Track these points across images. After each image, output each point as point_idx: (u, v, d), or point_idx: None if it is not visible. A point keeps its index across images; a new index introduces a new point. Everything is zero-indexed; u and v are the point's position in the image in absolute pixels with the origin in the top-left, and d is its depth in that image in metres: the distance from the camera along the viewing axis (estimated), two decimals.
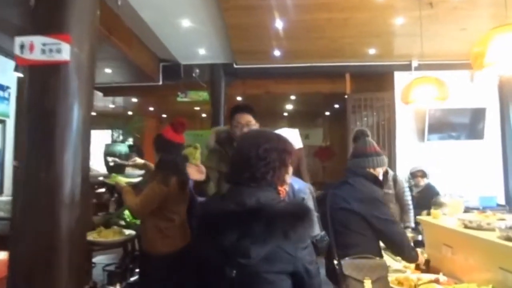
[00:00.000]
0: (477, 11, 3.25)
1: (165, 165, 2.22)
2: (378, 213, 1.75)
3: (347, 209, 1.78)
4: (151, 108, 8.20)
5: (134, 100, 6.85)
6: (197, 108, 7.57)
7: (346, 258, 1.65)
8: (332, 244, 1.76)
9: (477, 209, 2.99)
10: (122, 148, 3.09)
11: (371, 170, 1.87)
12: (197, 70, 5.10)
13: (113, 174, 2.43)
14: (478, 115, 4.79)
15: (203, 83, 5.15)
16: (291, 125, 9.67)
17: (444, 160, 4.73)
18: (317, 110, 8.13)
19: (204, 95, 5.18)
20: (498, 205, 4.62)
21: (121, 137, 8.30)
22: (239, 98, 6.44)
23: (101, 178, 2.52)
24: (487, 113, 4.77)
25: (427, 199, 2.84)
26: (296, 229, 1.03)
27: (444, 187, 4.44)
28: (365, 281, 1.59)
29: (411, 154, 4.81)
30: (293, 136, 2.17)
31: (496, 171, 4.85)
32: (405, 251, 1.82)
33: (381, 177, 1.91)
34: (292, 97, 6.49)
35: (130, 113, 9.00)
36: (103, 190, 3.38)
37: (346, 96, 5.29)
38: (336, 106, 7.53)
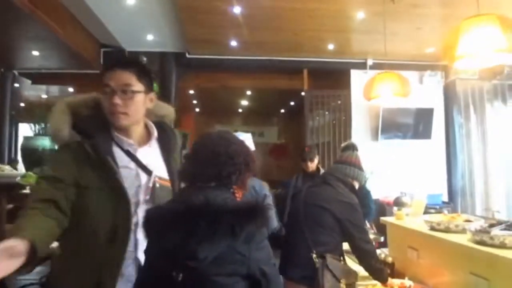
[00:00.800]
0: (435, 9, 3.31)
1: None
2: (353, 219, 1.79)
3: (324, 207, 1.80)
4: None
5: (71, 89, 6.17)
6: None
7: (328, 254, 1.67)
8: (306, 237, 1.76)
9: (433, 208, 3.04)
10: (46, 142, 2.63)
11: (350, 180, 1.94)
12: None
13: (29, 173, 2.03)
14: (426, 115, 4.99)
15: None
16: (246, 122, 9.57)
17: (395, 159, 4.87)
18: (273, 107, 8.04)
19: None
20: (443, 202, 4.87)
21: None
22: (191, 92, 6.09)
23: (18, 179, 2.09)
24: (434, 113, 5.00)
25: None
26: (245, 226, 0.96)
27: (395, 186, 4.60)
28: (341, 282, 1.61)
29: (365, 153, 4.86)
30: (246, 140, 2.04)
31: (441, 170, 5.10)
32: (372, 263, 1.79)
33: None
34: (248, 93, 6.30)
35: None
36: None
37: (303, 93, 5.22)
38: (292, 103, 7.49)
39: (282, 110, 8.69)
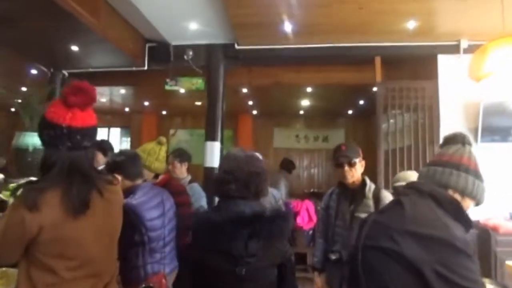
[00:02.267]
0: None
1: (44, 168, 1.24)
2: (452, 269, 0.94)
3: (389, 250, 1.02)
4: (147, 103, 7.50)
5: (122, 91, 6.17)
6: (198, 104, 6.83)
7: None
8: None
9: None
10: (36, 139, 2.36)
11: (457, 196, 1.11)
12: (190, 52, 4.34)
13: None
14: None
15: (198, 68, 4.38)
16: (309, 124, 8.85)
17: (499, 169, 3.79)
18: (339, 106, 7.21)
19: (198, 82, 4.41)
20: None
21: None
22: (244, 90, 5.63)
23: None
24: None
25: None
26: (285, 229, 1.46)
27: (501, 204, 3.60)
28: None
29: None
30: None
31: None
32: None
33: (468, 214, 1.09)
34: (308, 90, 5.62)
35: (127, 109, 8.40)
36: None
37: (374, 89, 4.40)
38: (362, 101, 6.60)
39: (350, 111, 7.81)
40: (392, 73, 4.33)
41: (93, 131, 1.31)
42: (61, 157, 1.20)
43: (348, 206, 2.16)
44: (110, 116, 9.07)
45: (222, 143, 4.37)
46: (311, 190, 8.09)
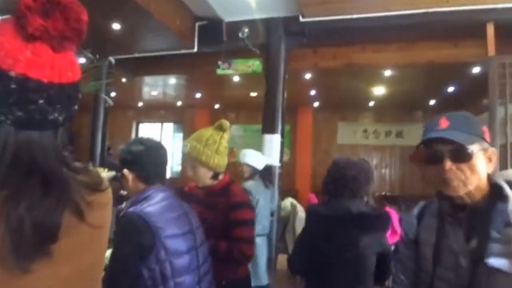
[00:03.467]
0: None
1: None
2: None
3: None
4: (199, 95, 7.09)
5: (173, 80, 5.76)
6: (254, 95, 6.24)
7: None
8: None
9: None
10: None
11: None
12: (246, 30, 3.73)
13: None
14: None
15: (255, 47, 3.76)
16: (379, 119, 7.82)
17: None
18: (420, 95, 6.13)
19: (255, 64, 3.79)
20: None
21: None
22: (308, 76, 4.90)
23: None
24: None
25: None
26: (382, 224, 1.77)
27: None
28: None
29: None
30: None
31: None
32: None
33: None
34: (386, 73, 4.71)
35: (179, 103, 8.13)
36: None
37: (476, 69, 3.42)
38: (451, 88, 5.50)
39: (432, 101, 6.67)
40: (508, 45, 3.32)
41: (72, 92, 0.70)
42: (2, 140, 0.62)
43: (463, 241, 1.05)
44: (164, 111, 8.92)
45: (282, 136, 3.71)
46: (382, 193, 7.13)
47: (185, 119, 8.54)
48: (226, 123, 1.71)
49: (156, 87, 6.64)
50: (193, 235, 1.30)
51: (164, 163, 1.36)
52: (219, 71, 3.88)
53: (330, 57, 4.34)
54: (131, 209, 1.19)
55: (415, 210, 1.22)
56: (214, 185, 1.67)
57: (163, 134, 9.16)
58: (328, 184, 1.79)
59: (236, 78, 5.33)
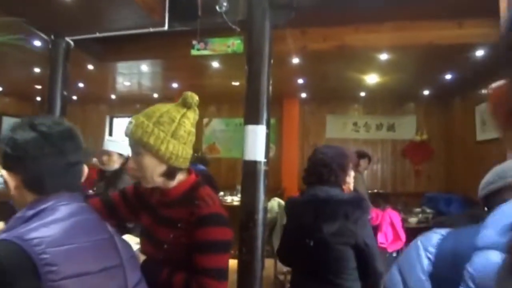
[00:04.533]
0: None
1: None
2: None
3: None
4: (176, 85, 6.53)
5: (145, 67, 5.20)
6: (236, 84, 5.76)
7: None
8: None
9: None
10: None
11: None
12: (224, 3, 3.25)
13: None
14: None
15: (235, 24, 3.28)
16: (370, 111, 7.41)
17: None
18: (414, 83, 5.77)
19: (236, 44, 3.31)
20: None
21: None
22: (295, 60, 4.45)
23: None
24: None
25: None
26: (354, 212, 1.63)
27: None
28: None
29: None
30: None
31: None
32: None
33: None
34: (383, 57, 4.27)
35: (156, 95, 7.56)
36: None
37: (479, 53, 3.04)
38: (448, 76, 5.15)
39: (426, 91, 6.34)
40: None
41: None
42: None
43: None
44: (139, 105, 8.33)
45: (268, 128, 3.25)
46: (374, 191, 6.78)
47: None
48: (193, 96, 1.24)
49: (130, 76, 6.07)
50: (122, 271, 0.82)
51: (73, 160, 0.86)
52: (193, 52, 3.38)
53: (320, 38, 3.91)
54: (3, 235, 0.70)
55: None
56: (171, 188, 1.19)
57: None
58: (304, 172, 1.85)
59: (215, 64, 4.84)
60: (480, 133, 5.51)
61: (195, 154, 5.17)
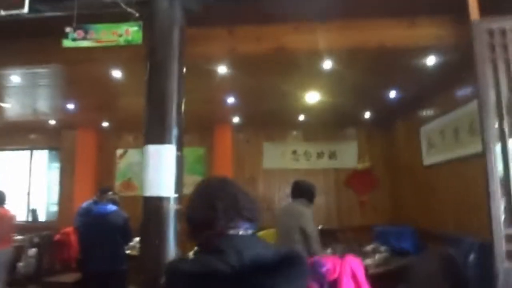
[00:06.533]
0: None
1: None
2: None
3: None
4: (72, 106, 5.24)
5: (16, 79, 3.91)
6: None
7: None
8: None
9: None
10: None
11: None
12: None
13: None
14: None
15: (131, 6, 2.36)
16: (310, 137, 6.80)
17: None
18: (357, 105, 5.29)
19: (132, 30, 2.36)
20: None
21: None
22: (222, 69, 3.60)
23: None
24: None
25: None
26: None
27: None
28: None
29: None
30: None
31: None
32: None
33: None
34: (326, 65, 3.60)
35: (52, 122, 6.17)
36: None
37: (431, 60, 2.53)
38: (392, 93, 4.72)
39: (367, 114, 5.93)
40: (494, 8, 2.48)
41: None
42: None
43: None
44: (35, 135, 6.83)
45: (180, 149, 2.29)
46: (319, 227, 6.04)
47: (63, 145, 6.55)
48: None
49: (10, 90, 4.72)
50: None
51: None
52: (66, 43, 2.36)
53: (252, 38, 3.16)
54: None
55: None
56: None
57: (34, 164, 6.99)
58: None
59: (117, 74, 3.80)
60: (427, 156, 5.13)
61: (109, 193, 4.04)
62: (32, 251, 4.72)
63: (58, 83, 4.16)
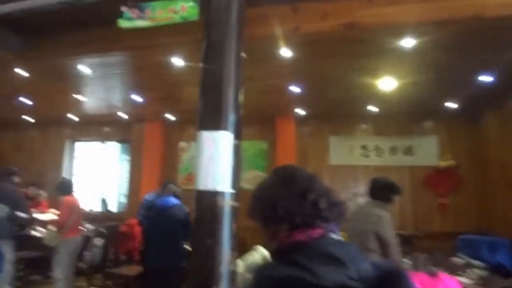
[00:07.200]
0: None
1: None
2: None
3: None
4: (140, 99, 5.36)
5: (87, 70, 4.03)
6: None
7: None
8: None
9: None
10: None
11: None
12: None
13: None
14: None
15: None
16: (381, 131, 6.22)
17: None
18: (441, 91, 4.66)
19: (187, 7, 2.19)
20: None
21: None
22: (285, 53, 3.31)
23: None
24: None
25: None
26: None
27: None
28: None
29: None
30: None
31: None
32: None
33: None
34: (406, 43, 3.12)
35: (125, 116, 6.43)
36: None
37: None
38: (485, 77, 4.03)
39: (453, 104, 5.21)
40: None
41: None
42: None
43: None
44: (107, 127, 7.20)
45: (239, 137, 2.06)
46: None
47: (133, 137, 6.80)
48: None
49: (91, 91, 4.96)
50: None
51: None
52: (122, 23, 2.27)
53: (318, 15, 2.82)
54: None
55: None
56: None
57: (107, 156, 7.39)
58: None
59: (183, 66, 3.72)
60: None
61: (171, 186, 4.03)
62: (99, 241, 4.90)
63: (125, 71, 4.21)
